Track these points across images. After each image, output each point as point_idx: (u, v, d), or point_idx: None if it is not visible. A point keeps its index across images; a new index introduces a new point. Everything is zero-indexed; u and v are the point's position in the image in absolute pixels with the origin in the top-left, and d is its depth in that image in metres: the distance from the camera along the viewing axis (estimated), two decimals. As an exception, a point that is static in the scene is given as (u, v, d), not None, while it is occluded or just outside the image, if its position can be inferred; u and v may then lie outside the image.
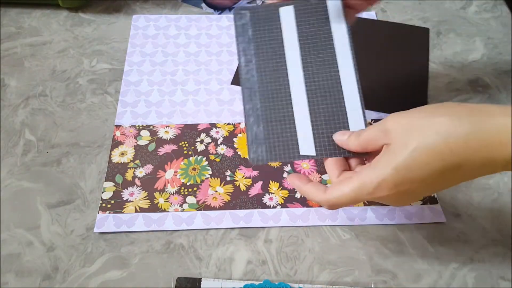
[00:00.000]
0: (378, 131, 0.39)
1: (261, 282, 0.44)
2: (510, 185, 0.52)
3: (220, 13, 0.71)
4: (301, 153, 0.42)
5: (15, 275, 0.44)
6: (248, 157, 0.43)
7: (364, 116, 0.43)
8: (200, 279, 0.44)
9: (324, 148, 0.43)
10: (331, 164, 0.42)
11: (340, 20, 0.46)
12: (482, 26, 0.70)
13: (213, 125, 0.57)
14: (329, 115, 0.44)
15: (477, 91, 0.62)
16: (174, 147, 0.54)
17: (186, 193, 0.50)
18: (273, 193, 0.51)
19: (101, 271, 0.45)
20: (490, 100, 0.60)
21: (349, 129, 0.43)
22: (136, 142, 0.55)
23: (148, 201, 0.50)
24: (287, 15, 0.47)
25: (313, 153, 0.42)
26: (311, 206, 0.50)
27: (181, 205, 0.49)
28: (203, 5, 0.72)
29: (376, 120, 0.58)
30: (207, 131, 0.56)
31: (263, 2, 0.73)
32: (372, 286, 0.44)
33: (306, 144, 0.43)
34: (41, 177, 0.51)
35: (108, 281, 0.44)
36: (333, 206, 0.41)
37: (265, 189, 0.51)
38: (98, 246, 0.46)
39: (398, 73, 0.63)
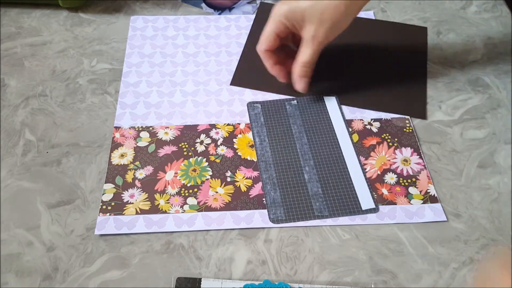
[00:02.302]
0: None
1: (261, 282, 0.44)
2: (510, 185, 0.52)
3: (220, 13, 0.71)
4: (316, 213, 0.49)
5: (15, 275, 0.44)
6: (268, 218, 0.49)
7: (364, 172, 0.52)
8: (200, 279, 0.44)
9: (336, 208, 0.49)
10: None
11: (336, 108, 0.58)
12: (482, 26, 0.70)
13: (213, 126, 0.57)
14: (336, 180, 0.51)
15: (477, 91, 0.62)
16: (174, 148, 0.54)
17: (186, 194, 0.50)
18: None
19: (101, 271, 0.45)
20: (490, 100, 0.60)
21: (354, 188, 0.51)
22: (135, 144, 0.55)
23: (149, 202, 0.50)
24: (292, 107, 0.58)
25: (327, 213, 0.49)
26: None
27: (181, 207, 0.49)
28: (203, 5, 0.72)
29: (376, 120, 0.58)
30: (206, 132, 0.56)
31: (261, 2, 0.73)
32: (372, 286, 0.44)
33: (320, 206, 0.50)
34: (41, 177, 0.51)
35: (108, 281, 0.44)
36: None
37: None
38: (98, 246, 0.46)
39: (396, 72, 0.64)
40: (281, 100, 0.59)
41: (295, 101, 0.59)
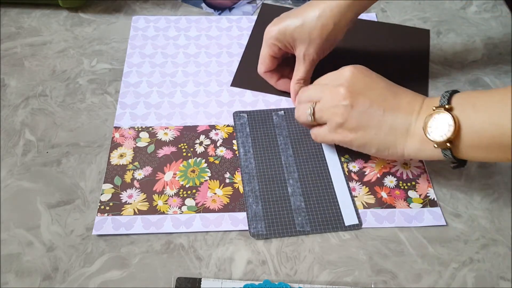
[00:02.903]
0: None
1: (261, 282, 0.44)
2: (510, 185, 0.52)
3: (220, 13, 0.71)
4: (298, 228, 0.48)
5: (15, 275, 0.44)
6: (249, 233, 0.47)
7: (349, 186, 0.51)
8: (200, 279, 0.44)
9: (318, 223, 0.48)
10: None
11: None
12: (482, 26, 0.70)
13: (213, 127, 0.56)
14: (319, 194, 0.50)
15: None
16: (173, 149, 0.54)
17: (185, 195, 0.50)
18: None
19: (101, 271, 0.45)
20: (490, 100, 0.60)
21: (338, 203, 0.50)
22: (135, 144, 0.55)
23: (147, 203, 0.50)
24: (279, 117, 0.58)
25: (308, 228, 0.48)
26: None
27: (180, 208, 0.49)
28: (203, 5, 0.72)
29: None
30: (206, 133, 0.56)
31: (262, 3, 0.73)
32: (372, 286, 0.44)
33: (302, 220, 0.49)
34: (41, 177, 0.51)
35: (108, 281, 0.44)
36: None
37: (265, 190, 0.51)
38: (98, 246, 0.46)
39: (398, 74, 0.63)
40: (268, 110, 0.58)
41: (282, 111, 0.58)
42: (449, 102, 0.43)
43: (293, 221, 0.48)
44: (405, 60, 0.65)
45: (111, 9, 0.71)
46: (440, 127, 0.42)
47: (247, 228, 0.48)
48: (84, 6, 0.71)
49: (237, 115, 0.58)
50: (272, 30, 0.55)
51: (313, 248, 0.47)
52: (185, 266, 0.45)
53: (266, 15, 0.71)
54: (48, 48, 0.65)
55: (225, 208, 0.49)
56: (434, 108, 0.44)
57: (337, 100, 0.48)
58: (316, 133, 0.52)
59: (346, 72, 0.49)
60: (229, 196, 0.50)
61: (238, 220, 0.48)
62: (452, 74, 0.64)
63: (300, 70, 0.56)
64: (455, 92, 0.44)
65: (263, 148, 0.54)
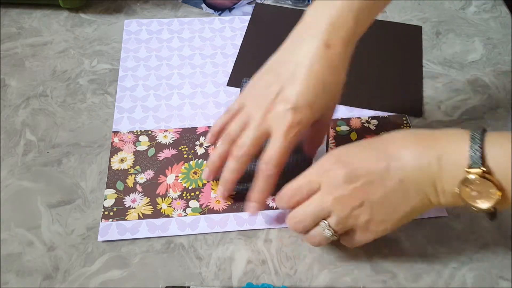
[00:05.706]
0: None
1: (249, 283, 0.44)
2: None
3: (220, 14, 0.71)
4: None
5: (16, 275, 0.44)
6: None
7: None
8: (188, 287, 0.44)
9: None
10: None
11: None
12: (481, 26, 0.70)
13: (212, 128, 0.57)
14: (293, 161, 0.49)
15: (476, 91, 0.62)
16: (174, 151, 0.54)
17: (188, 197, 0.50)
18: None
19: (101, 271, 0.45)
20: (489, 100, 0.60)
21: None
22: (135, 148, 0.54)
23: (151, 207, 0.49)
24: None
25: None
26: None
27: (184, 210, 0.49)
28: (203, 5, 0.73)
29: (373, 118, 0.58)
30: (206, 134, 0.56)
31: (256, 3, 0.73)
32: (361, 286, 0.44)
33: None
34: (41, 177, 0.52)
35: (109, 281, 0.44)
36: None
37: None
38: (99, 245, 0.47)
39: (392, 71, 0.64)
40: None
41: None
42: (482, 159, 0.36)
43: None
44: (398, 57, 0.65)
45: (112, 10, 0.71)
46: (481, 192, 0.36)
47: (251, 228, 0.48)
48: (84, 7, 0.71)
49: (246, 81, 0.56)
50: (296, 117, 0.42)
51: (313, 248, 0.47)
52: (185, 265, 0.45)
53: (260, 15, 0.71)
54: (48, 48, 0.65)
55: (230, 209, 0.49)
56: (466, 169, 0.36)
57: (349, 204, 0.40)
58: (349, 242, 0.44)
59: (332, 170, 0.41)
60: (232, 197, 0.50)
61: (243, 220, 0.48)
62: (451, 74, 0.64)
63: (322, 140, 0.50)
64: (483, 134, 0.37)
65: None
